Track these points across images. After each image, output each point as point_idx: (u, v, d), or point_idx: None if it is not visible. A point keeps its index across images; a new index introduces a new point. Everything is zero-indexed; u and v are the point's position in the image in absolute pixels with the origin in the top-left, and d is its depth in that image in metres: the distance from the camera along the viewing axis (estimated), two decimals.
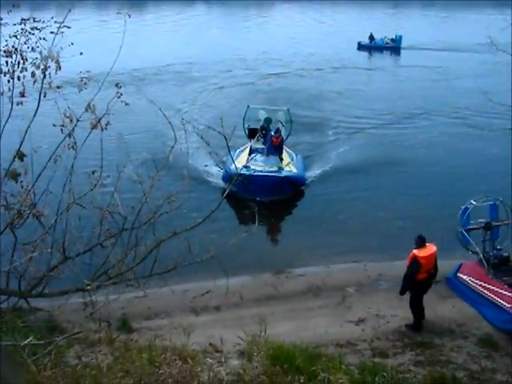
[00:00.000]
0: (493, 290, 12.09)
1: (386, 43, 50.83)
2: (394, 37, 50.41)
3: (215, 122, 5.85)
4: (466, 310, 12.36)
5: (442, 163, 22.28)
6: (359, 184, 20.29)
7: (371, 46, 50.85)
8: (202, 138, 5.24)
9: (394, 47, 50.18)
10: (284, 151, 21.19)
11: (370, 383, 6.13)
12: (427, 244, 11.37)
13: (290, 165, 20.11)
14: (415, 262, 11.18)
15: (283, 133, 21.91)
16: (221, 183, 19.31)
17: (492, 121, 25.81)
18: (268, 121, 22.57)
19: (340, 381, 6.26)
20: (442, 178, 20.54)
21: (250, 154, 20.22)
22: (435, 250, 11.39)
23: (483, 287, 12.33)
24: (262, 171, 18.81)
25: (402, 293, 11.53)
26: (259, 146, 21.45)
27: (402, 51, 49.48)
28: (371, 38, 51.04)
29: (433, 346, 10.97)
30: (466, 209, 12.93)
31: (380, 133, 26.48)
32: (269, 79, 37.73)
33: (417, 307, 11.60)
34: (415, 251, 11.23)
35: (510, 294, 11.73)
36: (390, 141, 25.30)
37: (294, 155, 21.39)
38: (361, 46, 50.76)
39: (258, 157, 19.53)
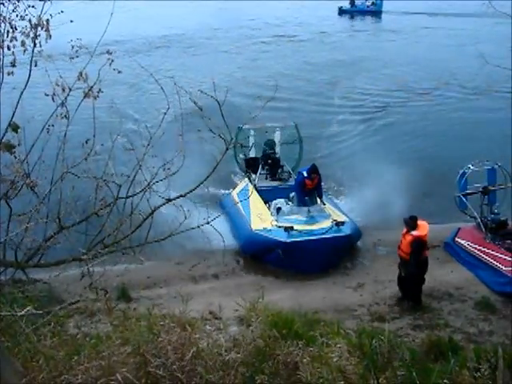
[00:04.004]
0: (490, 253, 12.17)
1: (367, 7, 51.03)
2: (374, 0, 50.52)
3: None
4: (464, 273, 12.46)
5: (438, 129, 22.23)
6: (352, 151, 20.24)
7: (352, 11, 51.08)
8: (195, 103, 5.16)
9: (375, 11, 50.50)
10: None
11: (367, 346, 6.18)
12: (418, 222, 10.99)
13: (333, 210, 13.85)
14: (421, 243, 10.83)
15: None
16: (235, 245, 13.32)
17: (489, 83, 25.88)
18: (270, 145, 16.39)
19: (338, 345, 6.31)
20: (440, 144, 20.51)
21: (266, 203, 14.21)
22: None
23: (481, 251, 12.42)
24: (315, 233, 12.58)
25: (407, 273, 11.10)
26: (267, 183, 15.73)
27: (383, 15, 49.65)
28: (352, 2, 51.13)
29: (431, 309, 11.09)
30: (464, 173, 12.94)
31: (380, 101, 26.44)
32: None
33: (407, 285, 11.25)
34: (415, 233, 10.81)
35: (507, 258, 11.80)
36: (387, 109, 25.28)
37: None
38: (342, 11, 50.91)
39: (288, 209, 13.70)
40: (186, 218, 5.27)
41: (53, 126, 5.56)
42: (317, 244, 12.33)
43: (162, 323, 6.39)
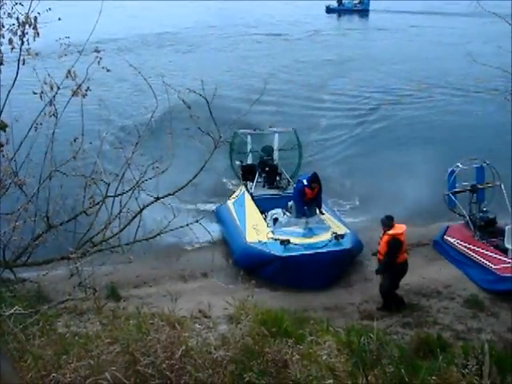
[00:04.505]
0: (479, 251, 12.24)
1: (355, 6, 51.63)
2: None
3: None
4: (453, 271, 12.52)
5: (429, 128, 22.31)
6: (342, 152, 20.27)
7: (340, 9, 51.66)
8: (183, 101, 5.16)
9: (362, 10, 51.06)
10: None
11: (356, 344, 6.19)
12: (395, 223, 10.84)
13: (332, 221, 13.14)
14: (398, 242, 10.68)
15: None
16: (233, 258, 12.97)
17: (478, 82, 26.05)
18: (268, 150, 15.72)
19: (327, 343, 6.32)
20: (430, 142, 20.57)
21: (263, 213, 13.59)
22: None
23: (469, 249, 12.48)
24: (313, 246, 11.91)
25: (378, 272, 11.12)
26: (264, 192, 14.97)
27: (370, 14, 50.26)
28: (339, 1, 51.63)
29: (420, 307, 11.13)
30: (453, 171, 13.00)
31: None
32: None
33: (390, 292, 11.07)
34: (391, 232, 10.67)
35: (495, 256, 11.88)
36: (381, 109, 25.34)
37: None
38: (329, 10, 51.44)
39: (286, 220, 13.04)
40: (174, 216, 5.27)
41: (41, 124, 5.53)
42: (314, 258, 11.63)
43: (151, 322, 6.37)
